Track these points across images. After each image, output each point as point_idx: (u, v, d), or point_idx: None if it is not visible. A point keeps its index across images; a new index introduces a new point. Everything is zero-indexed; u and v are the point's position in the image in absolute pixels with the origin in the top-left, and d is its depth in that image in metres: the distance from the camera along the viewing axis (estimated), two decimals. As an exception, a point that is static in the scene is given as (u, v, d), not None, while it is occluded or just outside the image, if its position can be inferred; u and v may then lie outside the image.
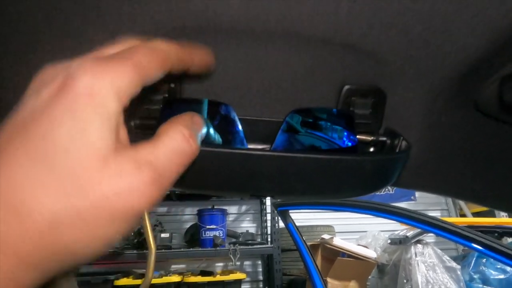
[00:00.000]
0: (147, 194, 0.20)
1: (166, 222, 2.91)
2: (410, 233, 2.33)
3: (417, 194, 3.33)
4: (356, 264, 2.40)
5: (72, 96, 0.19)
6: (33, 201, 0.17)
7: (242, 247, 2.53)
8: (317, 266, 1.40)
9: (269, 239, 2.89)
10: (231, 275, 2.51)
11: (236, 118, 0.35)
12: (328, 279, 2.30)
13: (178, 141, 0.22)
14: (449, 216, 3.50)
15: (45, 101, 0.19)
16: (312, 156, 0.31)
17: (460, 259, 2.54)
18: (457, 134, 0.40)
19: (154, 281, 2.29)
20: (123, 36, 0.24)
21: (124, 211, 0.19)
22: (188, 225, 2.88)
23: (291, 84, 0.37)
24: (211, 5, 0.29)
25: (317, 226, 2.94)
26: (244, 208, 3.36)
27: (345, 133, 0.36)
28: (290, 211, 1.41)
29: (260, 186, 0.34)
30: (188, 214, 3.19)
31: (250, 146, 0.38)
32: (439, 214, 3.54)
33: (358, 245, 2.60)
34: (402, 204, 2.97)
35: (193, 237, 2.71)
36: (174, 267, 2.96)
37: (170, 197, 2.95)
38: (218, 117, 0.35)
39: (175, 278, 2.43)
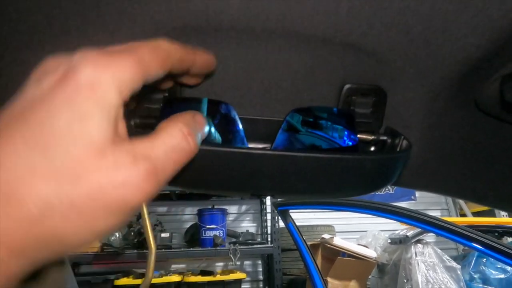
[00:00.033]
0: (141, 188, 0.19)
1: (166, 222, 2.91)
2: (410, 233, 2.33)
3: (417, 193, 3.33)
4: (356, 264, 2.40)
5: (73, 87, 0.18)
6: (27, 189, 0.17)
7: (242, 246, 2.53)
8: (317, 266, 1.40)
9: (269, 239, 2.89)
10: (231, 274, 2.51)
11: (237, 117, 0.35)
12: (328, 279, 2.30)
13: (177, 138, 0.22)
14: (449, 215, 3.50)
15: (46, 90, 0.19)
16: (312, 155, 0.31)
17: (460, 258, 2.55)
18: (458, 133, 0.40)
19: (154, 280, 2.29)
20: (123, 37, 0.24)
21: (118, 203, 0.19)
22: (188, 225, 2.88)
23: (291, 83, 0.37)
24: (211, 5, 0.29)
25: (317, 225, 2.94)
26: (244, 207, 3.36)
27: (346, 132, 0.36)
28: (290, 210, 1.41)
29: (261, 185, 0.34)
30: (188, 214, 3.19)
31: (251, 145, 0.37)
32: (439, 214, 3.54)
33: (358, 244, 2.60)
34: (402, 204, 2.97)
35: (193, 236, 2.71)
36: (174, 266, 2.97)
37: (170, 197, 2.95)
38: (218, 116, 0.35)
39: (175, 278, 2.43)
